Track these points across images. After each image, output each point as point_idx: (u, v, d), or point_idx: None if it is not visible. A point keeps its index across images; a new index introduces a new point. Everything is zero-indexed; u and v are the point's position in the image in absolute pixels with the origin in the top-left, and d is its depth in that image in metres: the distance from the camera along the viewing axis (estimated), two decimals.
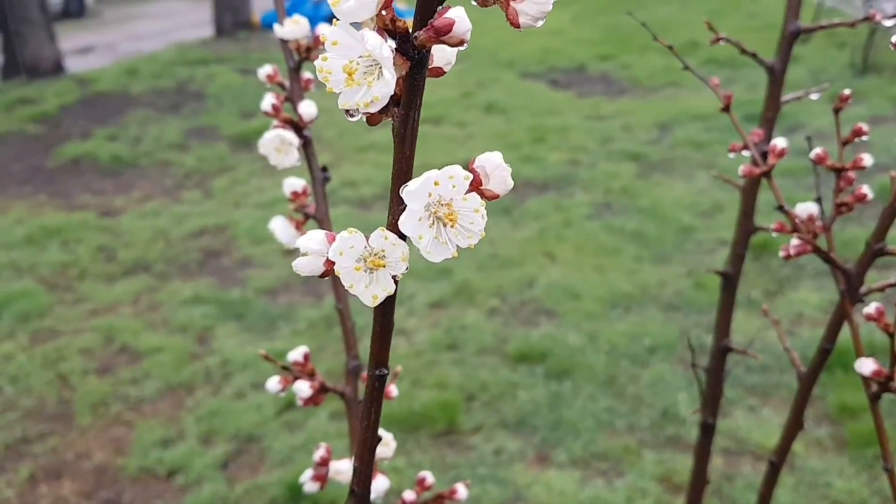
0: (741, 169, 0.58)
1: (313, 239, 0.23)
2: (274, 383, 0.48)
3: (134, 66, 6.73)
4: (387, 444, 0.46)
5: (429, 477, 0.48)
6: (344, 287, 0.35)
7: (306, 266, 0.23)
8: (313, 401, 0.45)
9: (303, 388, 0.45)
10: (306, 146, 0.52)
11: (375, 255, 0.22)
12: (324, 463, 0.52)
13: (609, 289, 2.90)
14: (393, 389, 0.49)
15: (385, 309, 0.25)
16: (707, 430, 0.58)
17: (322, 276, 0.23)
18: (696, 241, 3.22)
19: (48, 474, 2.22)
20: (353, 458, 0.32)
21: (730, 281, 0.56)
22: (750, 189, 0.55)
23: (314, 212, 0.39)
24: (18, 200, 4.18)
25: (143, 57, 7.22)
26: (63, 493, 2.15)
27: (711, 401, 0.57)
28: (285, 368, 0.47)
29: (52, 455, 2.29)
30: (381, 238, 0.23)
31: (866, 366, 0.49)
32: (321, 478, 0.50)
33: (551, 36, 7.21)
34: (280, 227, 0.39)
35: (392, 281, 0.24)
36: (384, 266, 0.22)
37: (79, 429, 2.40)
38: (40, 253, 3.50)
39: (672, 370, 2.43)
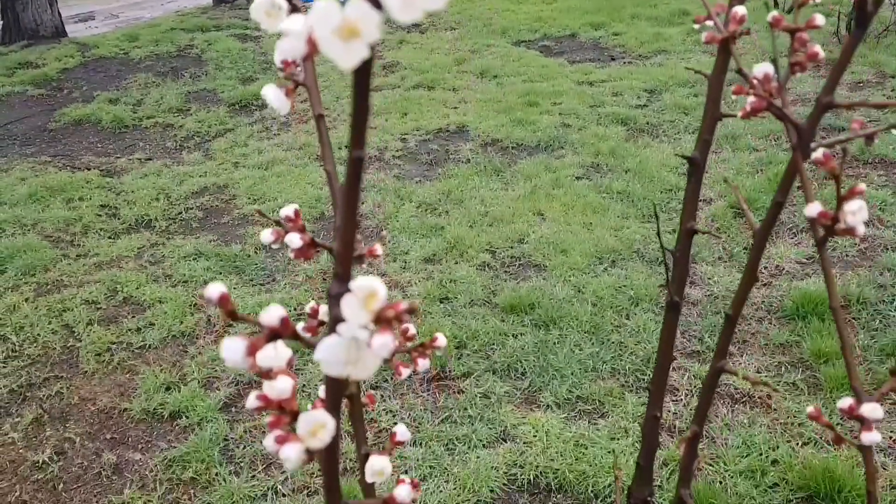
0: (704, 36, 0.64)
1: (294, 21, 0.29)
2: (267, 234, 0.56)
3: (134, 33, 6.74)
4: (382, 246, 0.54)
5: (412, 328, 0.56)
6: (328, 146, 0.44)
7: (289, 48, 0.28)
8: (304, 254, 0.53)
9: (294, 239, 0.53)
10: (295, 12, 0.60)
11: (350, 25, 0.23)
12: (314, 314, 0.60)
13: (596, 244, 2.99)
14: (378, 249, 0.57)
15: (361, 91, 0.26)
16: (674, 307, 0.66)
17: (304, 58, 0.29)
18: (682, 199, 3.30)
19: (53, 418, 2.32)
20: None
21: (696, 166, 0.63)
22: (717, 77, 0.63)
23: (303, 79, 0.47)
24: (22, 160, 4.25)
25: (144, 24, 7.23)
26: (69, 434, 2.25)
27: (678, 281, 0.65)
28: (278, 224, 0.56)
29: (57, 399, 2.39)
30: (356, 7, 0.23)
31: (813, 208, 0.56)
32: (313, 329, 0.58)
33: (544, 5, 7.23)
34: (272, 93, 0.46)
35: (367, 48, 0.24)
36: (359, 35, 0.24)
37: (83, 375, 2.49)
38: (44, 210, 3.57)
39: (655, 320, 2.53)
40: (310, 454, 0.32)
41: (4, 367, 2.54)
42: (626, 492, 0.70)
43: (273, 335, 0.33)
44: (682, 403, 2.16)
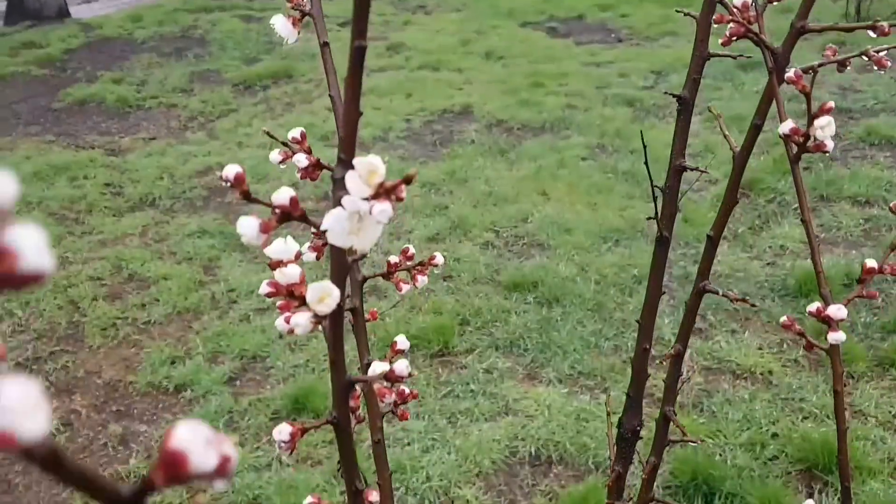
0: None
1: None
2: (275, 155, 0.57)
3: (138, 14, 6.73)
4: None
5: (411, 248, 0.57)
6: (333, 74, 0.44)
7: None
8: (309, 174, 0.54)
9: (300, 158, 0.53)
10: None
11: None
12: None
13: (600, 224, 2.99)
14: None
15: None
16: (663, 242, 0.67)
17: None
18: (687, 180, 3.28)
19: (60, 390, 2.34)
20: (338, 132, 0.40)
21: (685, 104, 0.64)
22: (704, 17, 0.63)
23: (309, 9, 0.47)
24: (26, 139, 4.26)
25: (147, 5, 7.22)
26: (75, 406, 2.27)
27: (668, 217, 0.65)
28: (285, 144, 0.56)
29: (63, 372, 2.41)
30: None
31: (785, 126, 0.58)
32: (318, 248, 0.58)
33: None
34: (280, 22, 0.47)
35: None
36: None
37: (89, 349, 2.51)
38: (49, 188, 3.59)
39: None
40: (317, 320, 0.33)
41: (11, 340, 2.56)
42: (617, 423, 0.71)
43: (284, 215, 0.34)
44: (684, 378, 2.17)
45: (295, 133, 0.52)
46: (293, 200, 0.33)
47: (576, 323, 2.44)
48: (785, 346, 2.28)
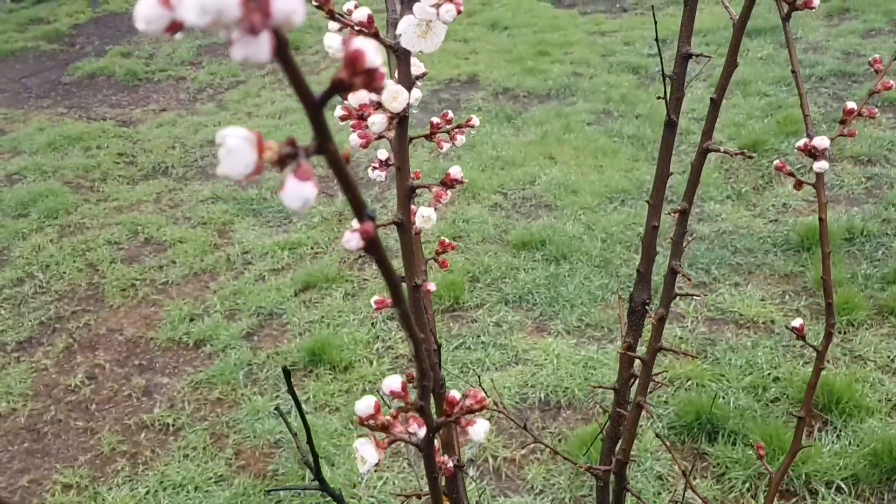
0: None
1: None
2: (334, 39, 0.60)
3: None
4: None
5: (450, 113, 0.62)
6: None
7: None
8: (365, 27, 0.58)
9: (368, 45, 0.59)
10: None
11: None
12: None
13: (606, 185, 3.04)
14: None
15: None
16: (671, 125, 0.72)
17: None
18: (692, 142, 3.34)
19: (83, 346, 2.42)
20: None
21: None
22: None
23: None
24: (38, 112, 4.32)
25: None
26: (98, 361, 2.35)
27: (675, 102, 0.71)
28: (340, 17, 0.56)
29: (85, 330, 2.48)
30: None
31: None
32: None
33: None
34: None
35: None
36: None
37: (110, 308, 2.59)
38: (63, 158, 3.65)
39: (664, 253, 2.59)
40: (391, 116, 0.39)
41: (34, 301, 2.63)
42: (628, 297, 0.77)
43: (360, 31, 0.39)
44: (689, 329, 2.24)
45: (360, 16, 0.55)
46: (369, 18, 0.39)
47: (583, 278, 2.51)
48: (787, 297, 2.34)
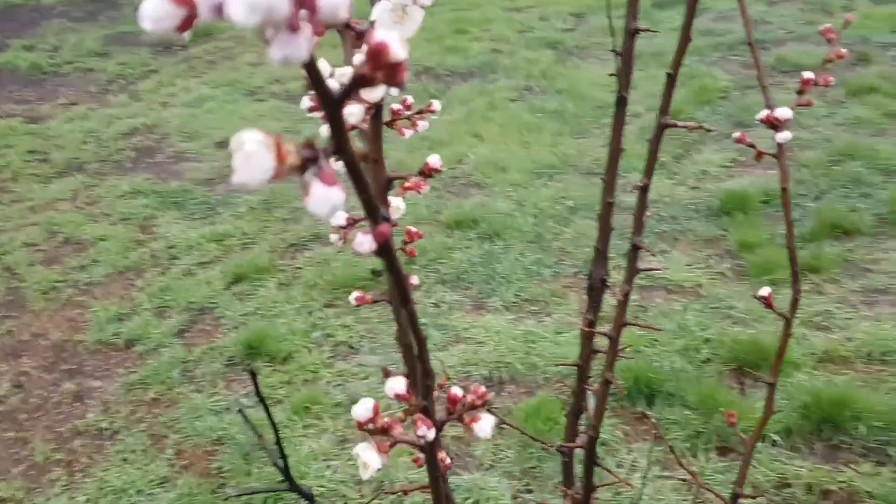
0: None
1: None
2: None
3: None
4: None
5: (409, 98, 0.61)
6: None
7: None
8: None
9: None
10: None
11: None
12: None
13: (533, 161, 3.08)
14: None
15: None
16: (622, 102, 0.74)
17: None
18: (611, 114, 3.41)
19: (6, 354, 2.31)
20: None
21: None
22: None
23: None
24: None
25: None
26: (24, 368, 2.25)
27: (625, 77, 0.72)
28: None
29: (8, 337, 2.38)
30: None
31: None
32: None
33: None
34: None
35: None
36: None
37: (32, 313, 2.48)
38: None
39: (593, 225, 2.64)
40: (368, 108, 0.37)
41: None
42: (587, 275, 0.79)
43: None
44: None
45: None
46: None
47: (517, 254, 2.53)
48: (712, 260, 2.42)
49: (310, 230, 2.75)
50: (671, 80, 0.69)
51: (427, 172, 0.54)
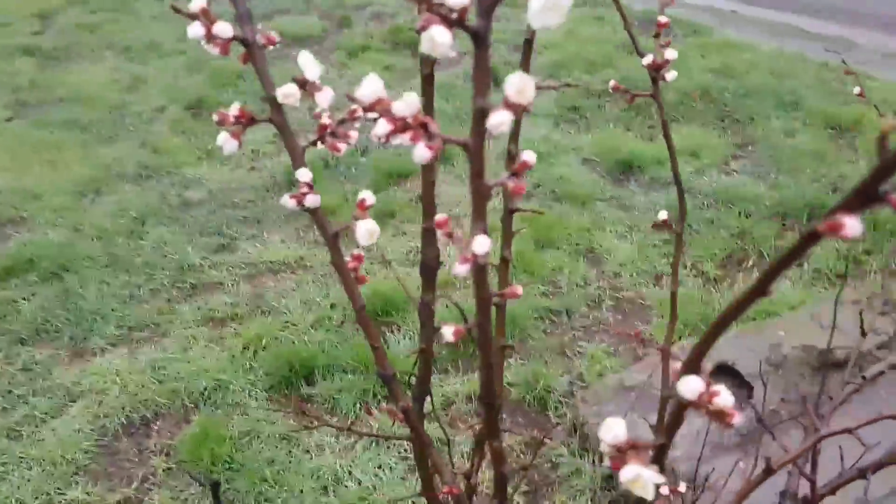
0: None
1: None
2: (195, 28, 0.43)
3: None
4: None
5: (325, 118, 0.51)
6: None
7: None
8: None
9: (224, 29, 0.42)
10: None
11: None
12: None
13: (69, 180, 2.73)
14: None
15: None
16: (428, 80, 0.69)
17: None
18: (135, 113, 3.20)
19: None
20: None
21: None
22: None
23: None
24: None
25: None
26: None
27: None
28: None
29: None
30: None
31: None
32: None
33: None
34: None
35: None
36: None
37: None
38: None
39: (169, 230, 2.48)
40: (515, 109, 0.30)
41: None
42: (420, 254, 0.75)
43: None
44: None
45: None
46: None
47: (99, 284, 2.25)
48: (301, 233, 2.48)
49: None
50: (528, 44, 0.68)
51: (520, 171, 0.46)
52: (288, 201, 0.44)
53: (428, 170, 0.66)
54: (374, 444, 1.76)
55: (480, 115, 0.31)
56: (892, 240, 2.31)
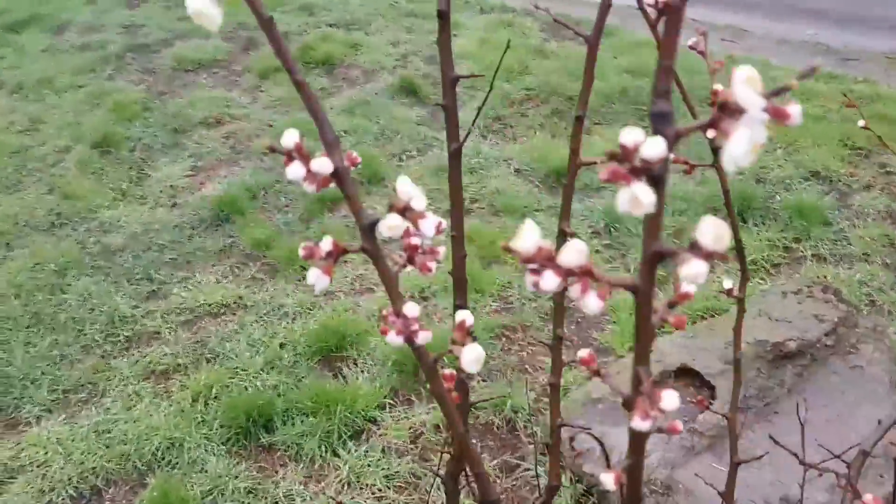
0: None
1: None
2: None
3: None
4: None
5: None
6: None
7: None
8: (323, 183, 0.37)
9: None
10: None
11: None
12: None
13: None
14: None
15: None
16: (456, 155, 0.66)
17: None
18: (38, 156, 3.02)
19: None
20: None
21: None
22: None
23: None
24: None
25: None
26: None
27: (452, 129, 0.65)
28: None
29: None
30: None
31: None
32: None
33: None
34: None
35: None
36: None
37: None
38: None
39: (93, 281, 2.33)
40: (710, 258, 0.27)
41: None
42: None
43: None
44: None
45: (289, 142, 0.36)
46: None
47: (24, 346, 2.10)
48: (237, 269, 2.38)
49: None
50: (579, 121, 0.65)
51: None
52: (394, 339, 0.39)
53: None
54: (345, 488, 1.70)
55: (652, 258, 0.29)
56: (820, 226, 2.40)
